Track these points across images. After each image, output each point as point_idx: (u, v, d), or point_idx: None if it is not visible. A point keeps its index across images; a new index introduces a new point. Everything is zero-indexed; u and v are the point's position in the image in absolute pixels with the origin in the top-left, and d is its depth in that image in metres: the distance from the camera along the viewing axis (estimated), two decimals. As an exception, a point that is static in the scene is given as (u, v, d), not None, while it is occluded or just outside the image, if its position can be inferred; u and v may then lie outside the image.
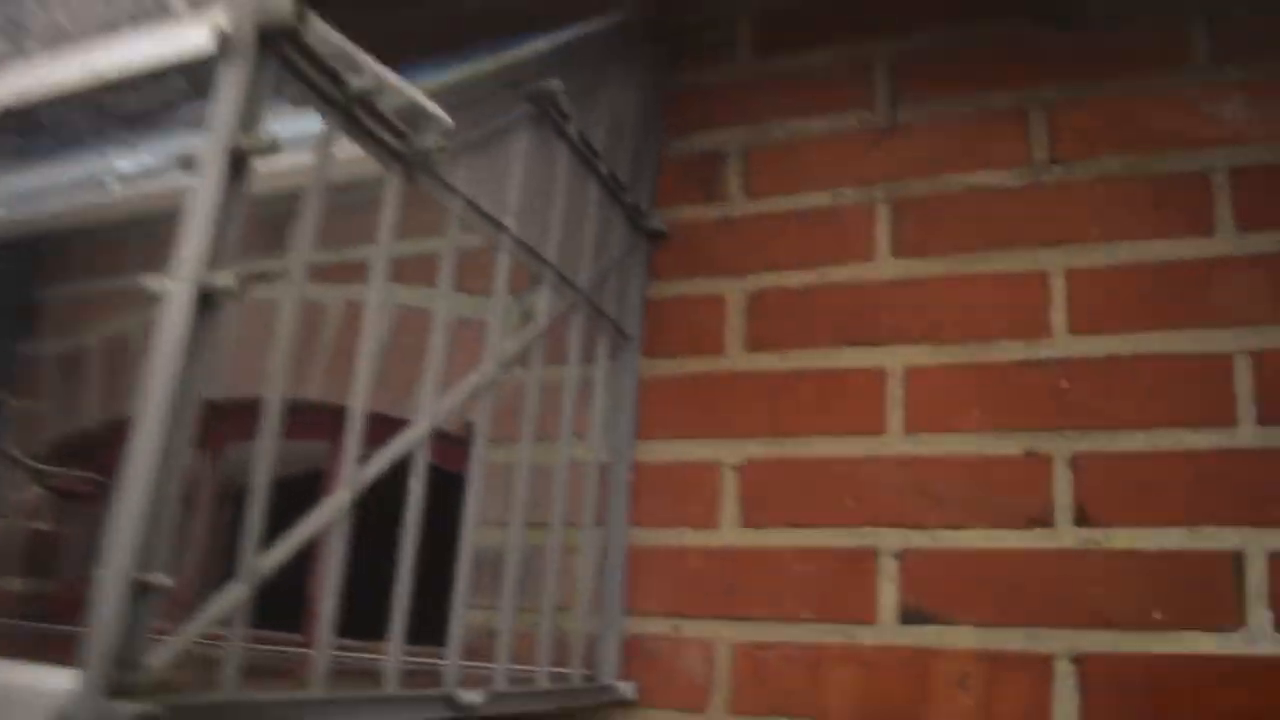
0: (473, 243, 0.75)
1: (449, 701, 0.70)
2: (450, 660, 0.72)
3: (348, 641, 1.26)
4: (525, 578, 0.98)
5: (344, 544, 0.61)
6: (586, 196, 0.90)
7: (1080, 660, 0.82)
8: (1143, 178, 0.90)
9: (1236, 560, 0.80)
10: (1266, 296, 0.84)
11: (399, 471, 0.67)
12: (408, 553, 0.67)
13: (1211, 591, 0.80)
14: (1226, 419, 0.83)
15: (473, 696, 0.70)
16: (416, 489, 0.67)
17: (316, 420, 1.22)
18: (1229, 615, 0.79)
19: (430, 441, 0.68)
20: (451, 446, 1.17)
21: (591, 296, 0.90)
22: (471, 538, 0.78)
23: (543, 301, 0.83)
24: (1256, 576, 0.79)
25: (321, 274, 1.19)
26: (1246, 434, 0.82)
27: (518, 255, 0.79)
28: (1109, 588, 0.82)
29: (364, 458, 0.64)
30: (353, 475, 0.61)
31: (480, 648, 0.96)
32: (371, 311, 0.66)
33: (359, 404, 0.62)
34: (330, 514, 0.60)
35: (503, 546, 0.99)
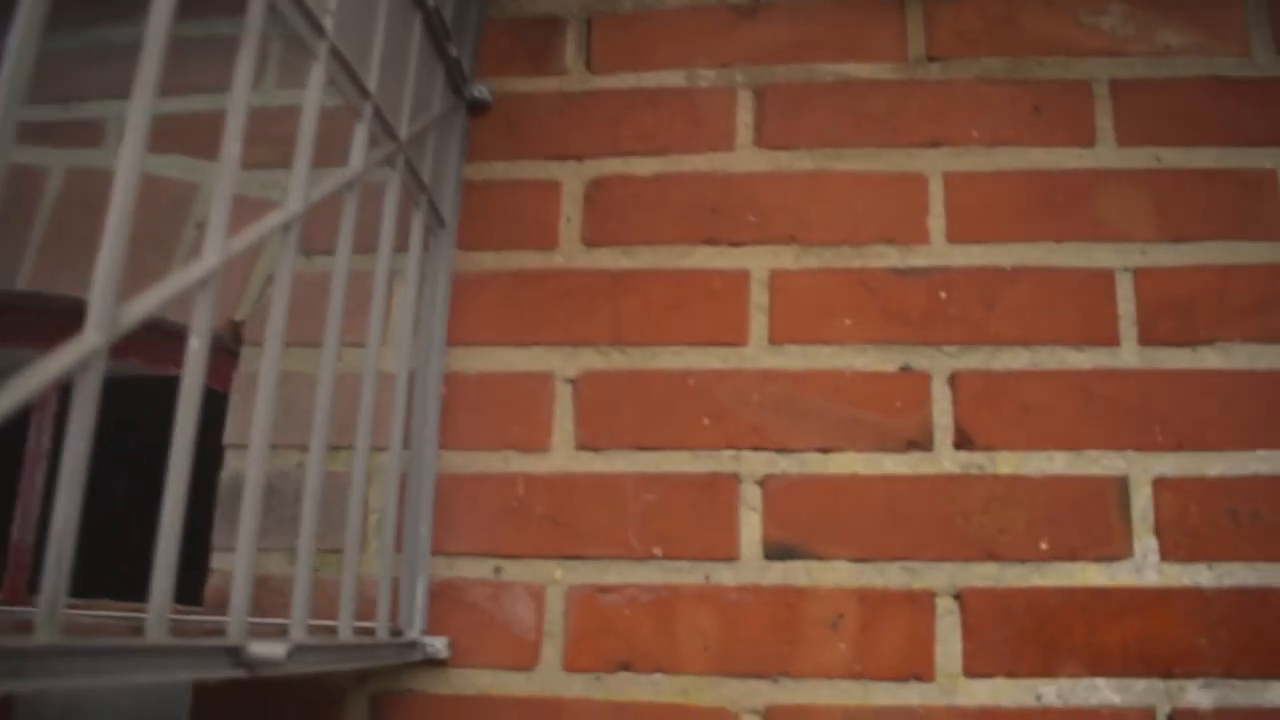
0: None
1: (236, 655, 0.50)
2: (236, 608, 0.51)
3: (75, 601, 0.99)
4: (327, 513, 0.77)
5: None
6: (410, 32, 0.70)
7: (963, 596, 0.73)
8: (1024, 82, 0.82)
9: (1122, 486, 0.73)
10: (1147, 212, 0.79)
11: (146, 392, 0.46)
12: (180, 465, 0.46)
13: (1098, 520, 0.73)
14: (1110, 338, 0.76)
15: (269, 649, 0.51)
16: (190, 386, 0.46)
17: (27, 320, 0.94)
18: (1116, 544, 0.72)
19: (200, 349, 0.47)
20: (218, 358, 0.93)
21: (410, 155, 0.71)
22: (249, 462, 0.57)
23: (360, 142, 0.63)
24: (1142, 503, 0.73)
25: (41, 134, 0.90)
26: (1130, 354, 0.76)
27: (333, 73, 0.59)
28: (992, 516, 0.74)
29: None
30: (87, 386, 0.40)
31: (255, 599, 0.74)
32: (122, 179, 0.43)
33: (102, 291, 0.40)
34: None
35: (281, 475, 0.77)
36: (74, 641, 0.37)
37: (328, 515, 0.77)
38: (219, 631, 0.50)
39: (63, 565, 0.39)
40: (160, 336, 0.87)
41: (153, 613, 0.43)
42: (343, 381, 0.75)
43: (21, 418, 1.02)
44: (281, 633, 0.55)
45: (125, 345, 0.41)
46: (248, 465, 0.52)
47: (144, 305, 0.43)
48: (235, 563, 0.51)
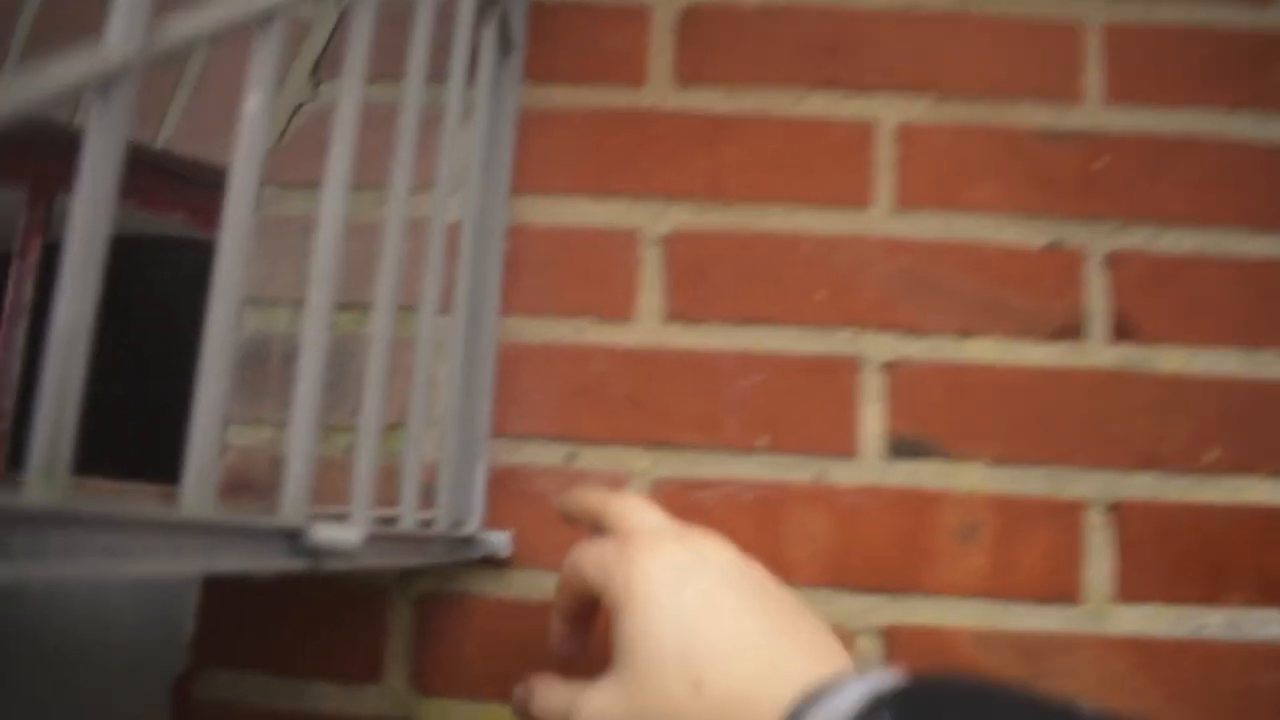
0: None
1: (296, 541, 0.36)
2: (295, 483, 0.38)
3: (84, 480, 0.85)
4: (341, 382, 0.64)
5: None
6: None
7: (1117, 509, 0.61)
8: (1201, -86, 0.68)
9: (1306, 391, 0.61)
10: (1343, 75, 0.65)
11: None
12: (227, 310, 0.32)
13: (1273, 429, 0.62)
14: (1295, 220, 0.64)
15: (338, 535, 0.37)
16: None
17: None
18: (1298, 457, 0.61)
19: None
20: (219, 201, 0.78)
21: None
22: (309, 314, 0.44)
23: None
24: (1329, 411, 0.61)
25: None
26: (1319, 239, 0.63)
27: None
28: (1153, 419, 0.62)
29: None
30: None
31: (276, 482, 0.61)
32: None
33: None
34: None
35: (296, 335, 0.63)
36: (85, 507, 0.23)
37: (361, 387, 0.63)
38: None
39: (67, 392, 0.25)
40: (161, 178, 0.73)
41: (192, 476, 0.30)
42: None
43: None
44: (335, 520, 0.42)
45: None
46: (307, 319, 0.38)
47: (192, 25, 0.29)
48: (294, 429, 0.38)
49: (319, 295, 0.38)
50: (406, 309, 0.51)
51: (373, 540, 0.39)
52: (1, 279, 0.84)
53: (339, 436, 0.63)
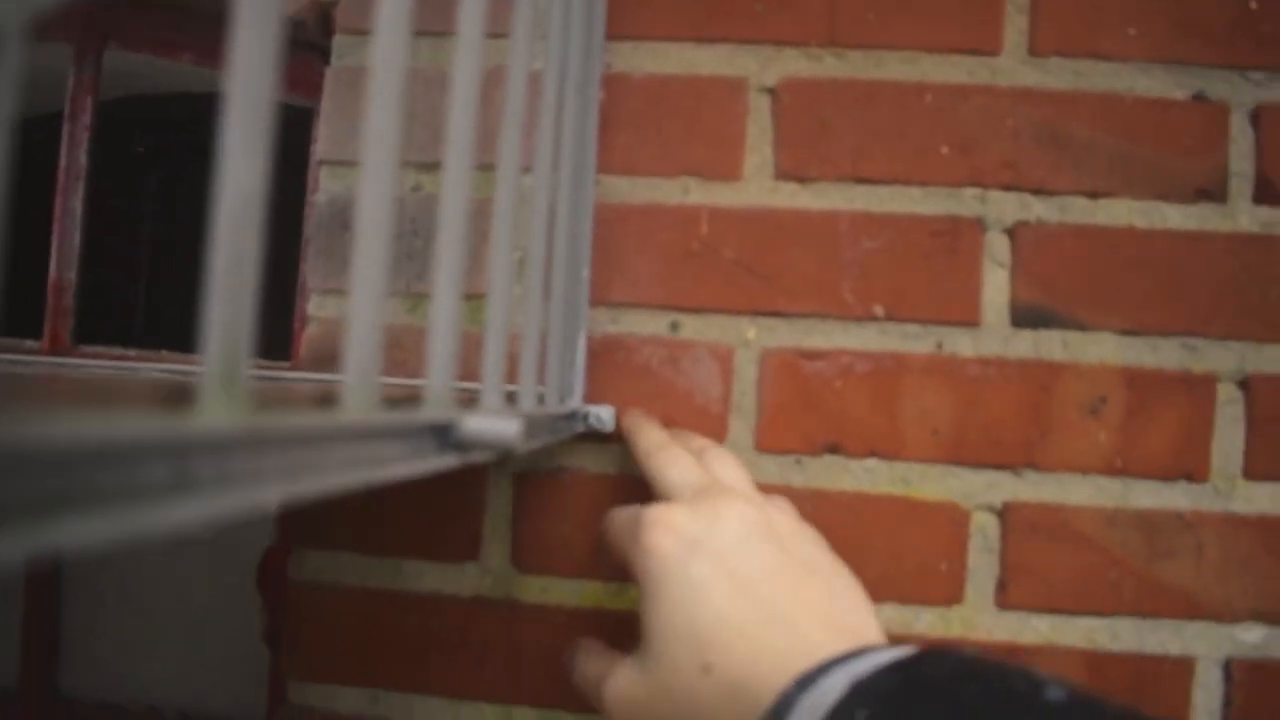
0: None
1: (445, 435, 0.29)
2: (437, 378, 0.29)
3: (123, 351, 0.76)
4: (420, 247, 0.55)
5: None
6: None
7: (1250, 383, 0.53)
8: None
9: None
10: None
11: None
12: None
13: None
14: None
15: (495, 426, 0.29)
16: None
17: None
18: None
19: None
20: (297, 59, 0.67)
21: None
22: (448, 170, 0.34)
23: None
24: None
25: None
26: None
27: None
28: (1296, 287, 0.53)
29: None
30: None
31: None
32: None
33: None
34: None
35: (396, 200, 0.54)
36: (271, 424, 0.15)
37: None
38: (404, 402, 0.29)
39: (243, 279, 0.16)
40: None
41: (355, 376, 0.21)
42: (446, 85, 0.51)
43: (49, 131, 0.76)
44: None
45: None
46: (445, 184, 0.29)
47: None
48: (435, 312, 0.29)
49: (455, 157, 0.29)
50: (486, 168, 0.42)
51: (531, 424, 0.31)
52: (50, 142, 0.74)
53: (425, 304, 0.54)
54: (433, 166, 0.54)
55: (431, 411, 0.27)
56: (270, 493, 0.17)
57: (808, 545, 0.40)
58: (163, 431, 0.12)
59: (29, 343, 0.68)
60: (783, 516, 0.41)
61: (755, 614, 0.36)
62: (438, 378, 0.28)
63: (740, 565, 0.37)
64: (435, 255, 0.28)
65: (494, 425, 0.28)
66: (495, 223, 0.35)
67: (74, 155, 0.69)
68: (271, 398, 0.30)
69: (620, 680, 0.38)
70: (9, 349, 0.65)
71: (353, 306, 0.22)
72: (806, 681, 0.32)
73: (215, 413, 0.15)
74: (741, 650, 0.35)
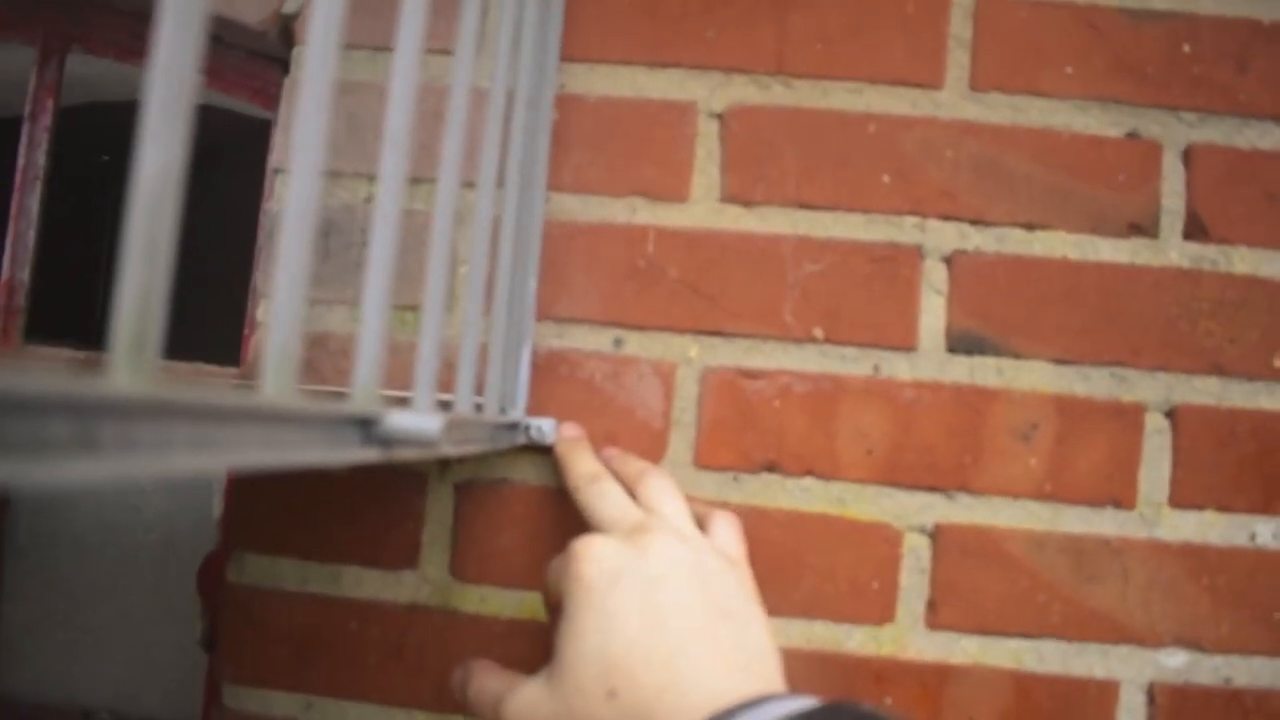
0: None
1: (368, 430, 0.30)
2: (364, 367, 0.31)
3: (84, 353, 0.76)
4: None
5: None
6: None
7: (1177, 413, 0.55)
8: None
9: (1383, 297, 0.55)
10: None
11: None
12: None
13: (1346, 334, 0.55)
14: (1385, 116, 0.56)
15: (417, 424, 0.30)
16: None
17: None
18: (1371, 365, 0.55)
19: None
20: (256, 68, 0.68)
21: None
22: (383, 180, 0.35)
23: None
24: (1406, 319, 0.55)
25: None
26: None
27: None
28: (1222, 323, 0.55)
29: None
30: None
31: (309, 362, 0.54)
32: None
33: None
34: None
35: (345, 210, 0.55)
36: (177, 394, 0.17)
37: (400, 263, 0.56)
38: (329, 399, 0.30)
39: (157, 255, 0.18)
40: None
41: (271, 361, 0.23)
42: (425, 97, 0.53)
43: (9, 132, 0.77)
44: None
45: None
46: (380, 196, 0.30)
47: None
48: (364, 307, 0.30)
49: (391, 171, 0.31)
50: (430, 183, 0.43)
51: (456, 427, 0.33)
52: (11, 145, 0.75)
53: (409, 315, 0.55)
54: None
55: (356, 405, 0.28)
56: (177, 462, 0.18)
57: (730, 588, 0.41)
58: (65, 390, 0.14)
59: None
60: (711, 558, 0.42)
61: (664, 647, 0.37)
62: (364, 373, 0.29)
63: (658, 599, 0.38)
64: (367, 256, 0.30)
65: (417, 422, 0.29)
66: (433, 233, 0.36)
67: (32, 156, 0.70)
68: (194, 379, 0.32)
69: (523, 699, 0.39)
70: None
71: (274, 298, 0.23)
72: None
73: (121, 379, 0.17)
74: (647, 681, 0.36)
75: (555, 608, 0.42)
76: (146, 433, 0.16)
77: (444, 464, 0.53)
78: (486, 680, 0.42)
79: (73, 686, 0.62)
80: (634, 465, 0.48)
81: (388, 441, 0.29)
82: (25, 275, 0.71)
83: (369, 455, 0.28)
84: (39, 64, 0.70)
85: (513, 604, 0.53)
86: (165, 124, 0.18)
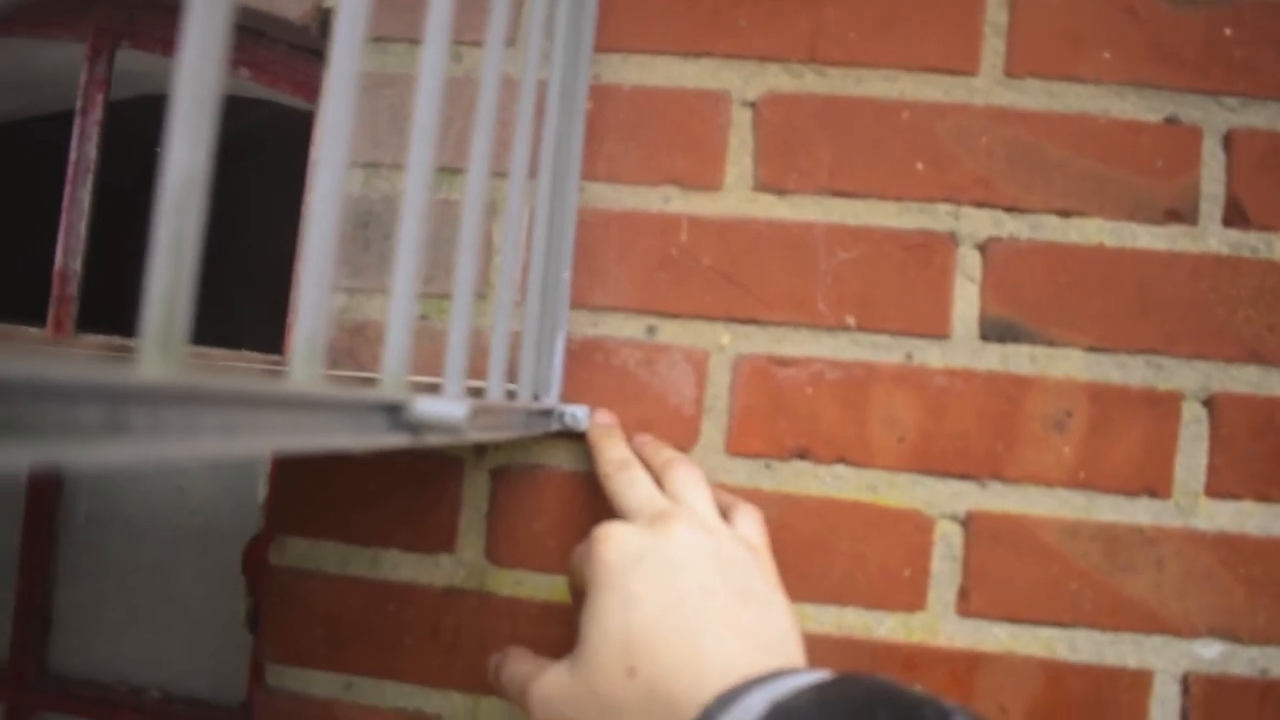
0: None
1: (397, 415, 0.31)
2: (394, 354, 0.32)
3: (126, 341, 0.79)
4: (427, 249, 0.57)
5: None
6: None
7: (1214, 402, 0.54)
8: None
9: None
10: None
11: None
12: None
13: (1391, 322, 0.54)
14: None
15: (444, 409, 0.31)
16: None
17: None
18: None
19: None
20: (297, 62, 0.70)
21: None
22: (411, 166, 0.36)
23: None
24: None
25: None
26: None
27: None
28: (1262, 311, 0.54)
29: None
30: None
31: (351, 350, 0.55)
32: None
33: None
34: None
35: (384, 201, 0.56)
36: (205, 381, 0.17)
37: (437, 252, 0.57)
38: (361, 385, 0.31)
39: (183, 250, 0.19)
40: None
41: (302, 347, 0.23)
42: (463, 89, 0.54)
43: (59, 126, 0.79)
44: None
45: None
46: (409, 183, 0.31)
47: None
48: (392, 296, 0.31)
49: (419, 159, 0.31)
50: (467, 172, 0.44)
51: (483, 413, 0.33)
52: (63, 138, 0.77)
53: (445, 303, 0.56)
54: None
55: (385, 391, 0.29)
56: (205, 446, 0.19)
57: (750, 574, 0.42)
58: (97, 376, 0.15)
59: (33, 330, 0.70)
60: (732, 545, 0.42)
61: (684, 627, 0.38)
62: (393, 360, 0.30)
63: (678, 582, 0.39)
64: (396, 246, 0.31)
65: (443, 407, 0.30)
66: (463, 221, 0.37)
67: (83, 149, 0.72)
68: (224, 367, 0.33)
69: (549, 680, 0.40)
70: (12, 335, 0.68)
71: (302, 288, 0.24)
72: (728, 699, 0.34)
73: (150, 368, 0.18)
74: (665, 659, 0.37)
75: (579, 593, 0.43)
76: (175, 418, 0.17)
77: (480, 450, 0.54)
78: (518, 665, 0.43)
79: (122, 665, 0.64)
80: (663, 454, 0.49)
81: (415, 427, 0.30)
82: (77, 265, 0.73)
83: (397, 441, 0.29)
84: (89, 59, 0.72)
85: (546, 587, 0.54)
86: (192, 125, 0.19)
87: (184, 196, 0.19)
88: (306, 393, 0.23)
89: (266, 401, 0.21)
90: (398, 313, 0.30)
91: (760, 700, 0.33)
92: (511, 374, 0.46)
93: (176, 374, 0.17)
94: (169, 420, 0.17)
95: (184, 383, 0.17)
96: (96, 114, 0.73)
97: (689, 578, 0.39)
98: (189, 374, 0.18)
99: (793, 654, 0.39)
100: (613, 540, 0.41)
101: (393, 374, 0.30)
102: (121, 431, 0.16)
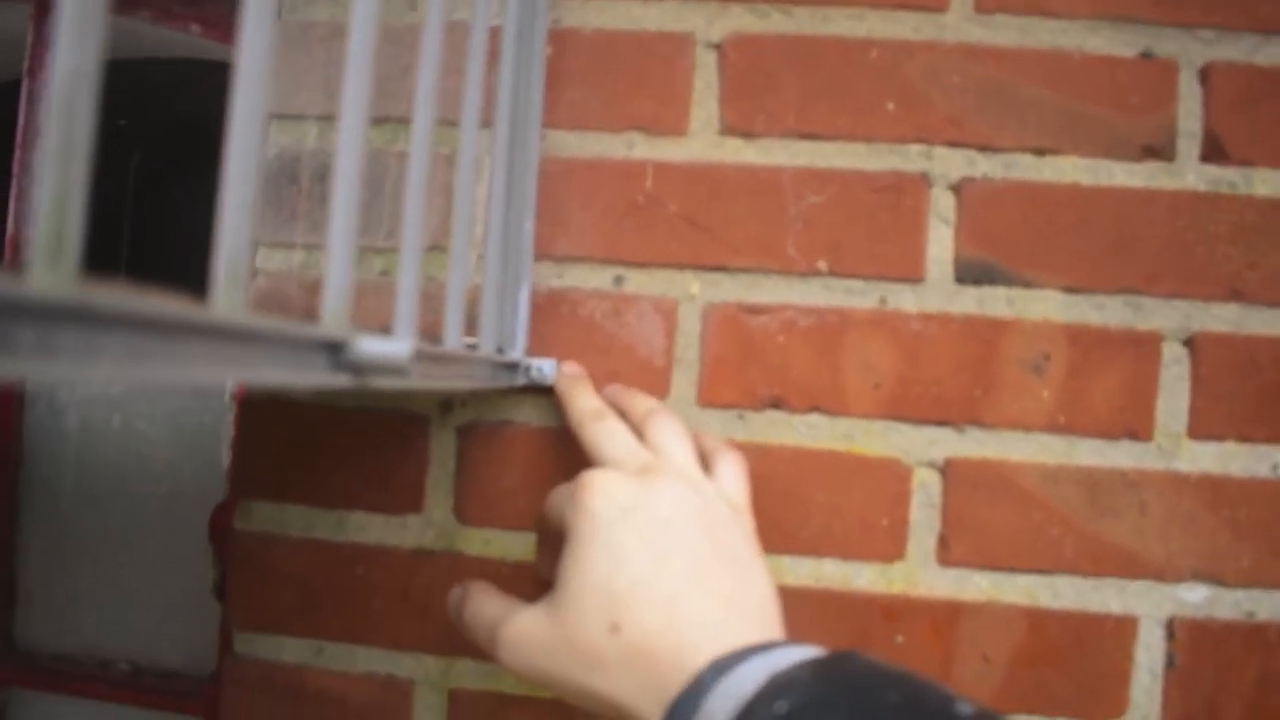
0: None
1: (338, 354, 0.30)
2: (334, 294, 0.31)
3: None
4: (375, 202, 0.56)
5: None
6: None
7: (1195, 341, 0.53)
8: None
9: None
10: None
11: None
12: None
13: (1372, 255, 0.54)
14: None
15: (385, 349, 0.30)
16: None
17: None
18: (1398, 286, 0.53)
19: None
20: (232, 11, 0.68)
21: None
22: (344, 121, 0.35)
23: None
24: None
25: None
26: None
27: None
28: (1241, 248, 0.53)
29: None
30: None
31: (314, 306, 0.54)
32: None
33: None
34: None
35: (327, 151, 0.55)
36: (102, 300, 0.16)
37: (397, 205, 0.55)
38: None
39: (73, 154, 0.17)
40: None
41: (223, 276, 0.22)
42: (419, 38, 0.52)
43: (11, 92, 0.77)
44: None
45: None
46: (342, 125, 0.30)
47: None
48: (332, 237, 0.30)
49: (353, 99, 0.30)
50: (443, 123, 0.43)
51: (420, 358, 0.32)
52: (12, 106, 0.75)
53: (374, 259, 0.55)
54: (381, 121, 0.55)
55: (325, 329, 0.28)
56: (102, 369, 0.17)
57: (735, 537, 0.41)
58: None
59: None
60: (718, 505, 0.41)
61: (669, 588, 0.37)
62: (334, 296, 0.29)
63: (665, 541, 0.38)
64: (331, 185, 0.30)
65: (387, 346, 0.29)
66: (410, 170, 0.36)
67: (33, 113, 0.71)
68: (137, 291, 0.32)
69: (520, 625, 0.39)
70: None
71: (225, 204, 0.23)
72: (723, 667, 0.33)
73: (39, 281, 0.16)
74: (651, 618, 0.36)
75: (553, 537, 0.42)
76: (69, 339, 0.16)
77: (447, 407, 0.53)
78: (484, 603, 0.41)
79: (90, 638, 0.63)
80: (642, 404, 0.48)
81: (358, 368, 0.28)
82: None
83: (338, 381, 0.28)
84: (34, 20, 0.70)
85: (517, 546, 0.53)
86: (78, 27, 0.17)
87: (73, 95, 0.17)
88: (233, 322, 0.22)
89: (180, 327, 0.20)
90: (337, 249, 0.29)
91: (758, 669, 0.33)
92: (472, 327, 0.45)
93: (68, 289, 0.16)
94: (60, 340, 0.16)
95: (78, 300, 0.16)
96: (46, 76, 0.71)
97: (676, 538, 0.39)
98: (85, 291, 0.16)
99: (772, 621, 0.39)
100: (601, 489, 0.40)
101: (333, 310, 0.29)
102: (7, 350, 0.14)
